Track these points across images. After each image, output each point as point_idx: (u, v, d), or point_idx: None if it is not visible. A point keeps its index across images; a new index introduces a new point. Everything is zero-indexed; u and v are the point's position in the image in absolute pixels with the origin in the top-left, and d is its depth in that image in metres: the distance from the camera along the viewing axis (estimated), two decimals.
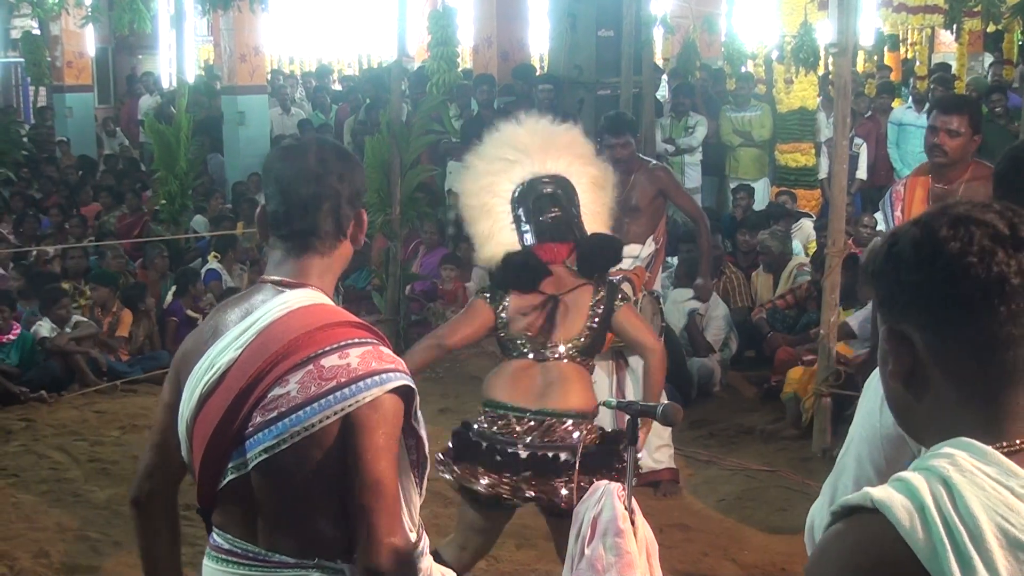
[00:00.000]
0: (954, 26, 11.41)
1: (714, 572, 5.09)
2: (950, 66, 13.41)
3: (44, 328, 8.09)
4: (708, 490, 6.04)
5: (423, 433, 2.26)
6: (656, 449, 5.89)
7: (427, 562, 2.38)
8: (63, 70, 16.37)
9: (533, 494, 3.83)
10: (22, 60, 17.69)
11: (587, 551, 3.35)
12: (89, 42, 16.85)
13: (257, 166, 12.80)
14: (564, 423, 3.86)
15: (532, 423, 3.88)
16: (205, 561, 2.31)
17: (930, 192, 4.87)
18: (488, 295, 4.07)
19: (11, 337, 7.91)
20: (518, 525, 5.50)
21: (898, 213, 4.97)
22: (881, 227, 8.49)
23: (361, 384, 2.11)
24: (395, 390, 2.14)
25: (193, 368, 2.23)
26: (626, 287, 5.62)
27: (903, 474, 1.31)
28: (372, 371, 2.13)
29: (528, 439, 3.86)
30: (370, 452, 2.11)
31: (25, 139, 15.83)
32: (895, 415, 1.45)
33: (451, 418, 7.31)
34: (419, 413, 2.24)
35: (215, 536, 2.29)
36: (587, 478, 3.76)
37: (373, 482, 2.10)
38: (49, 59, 16.41)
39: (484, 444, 3.90)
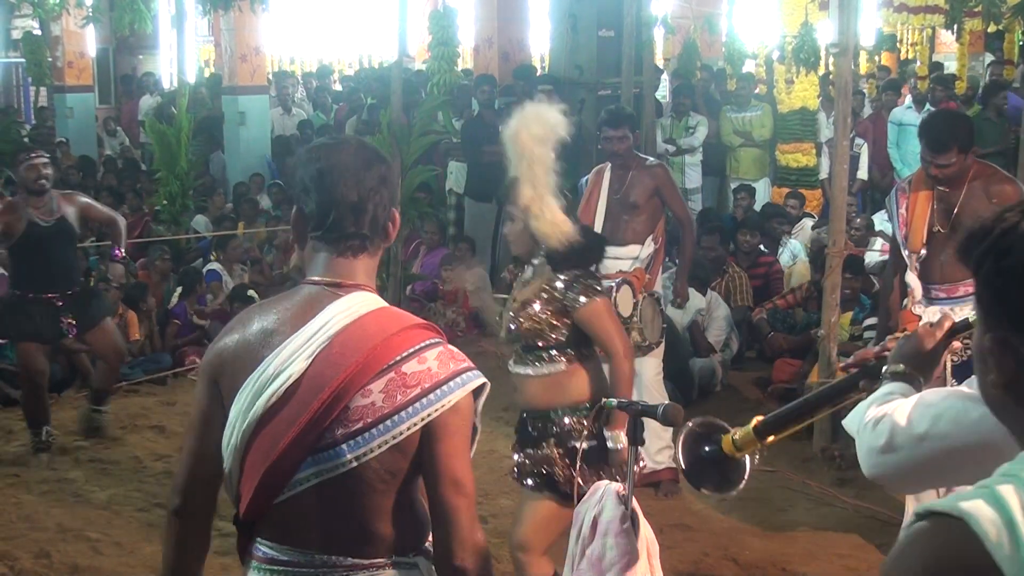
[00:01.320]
0: (955, 26, 11.42)
1: (715, 572, 5.09)
2: (943, 66, 13.41)
3: None
4: None
5: (478, 424, 2.27)
6: (658, 452, 5.89)
7: None
8: (64, 70, 16.37)
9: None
10: (23, 60, 17.69)
11: (588, 551, 3.35)
12: (90, 42, 16.85)
13: (258, 166, 12.83)
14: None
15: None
16: (251, 575, 2.25)
17: (934, 193, 4.90)
18: (599, 289, 3.93)
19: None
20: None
21: (903, 211, 5.00)
22: (882, 227, 8.52)
23: (445, 388, 2.14)
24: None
25: (247, 377, 2.17)
26: (625, 290, 5.61)
27: (991, 483, 1.29)
28: (453, 373, 2.16)
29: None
30: (453, 453, 2.15)
31: (26, 139, 15.82)
32: (995, 416, 1.43)
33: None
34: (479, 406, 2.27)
35: (265, 549, 2.23)
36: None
37: (456, 481, 2.15)
38: (50, 59, 16.41)
39: None
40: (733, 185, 10.79)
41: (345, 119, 13.68)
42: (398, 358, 2.14)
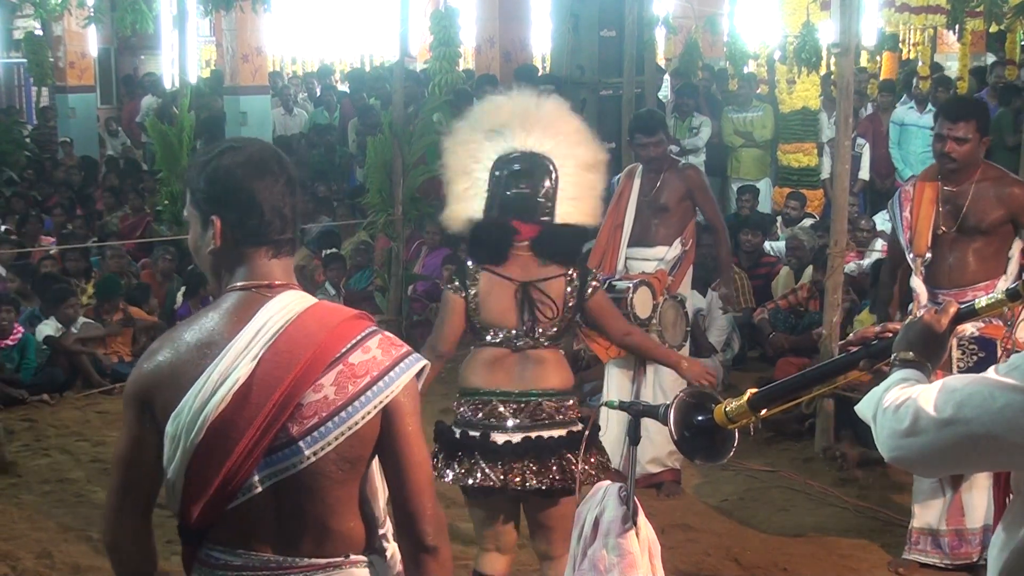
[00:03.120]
0: (956, 26, 11.40)
1: (716, 572, 5.09)
2: (942, 67, 13.40)
3: (49, 327, 8.09)
4: (710, 490, 6.03)
5: None
6: (668, 454, 5.84)
7: (392, 547, 2.39)
8: (66, 71, 16.38)
9: (535, 483, 3.79)
10: (25, 60, 17.69)
11: (589, 552, 3.35)
12: (91, 42, 16.86)
13: None
14: (550, 400, 3.87)
15: (517, 405, 3.86)
16: None
17: (939, 194, 4.88)
18: (454, 284, 3.99)
19: (9, 342, 7.90)
20: (522, 525, 5.50)
21: (907, 214, 4.97)
22: (882, 227, 8.52)
23: (392, 374, 2.19)
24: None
25: (188, 392, 2.15)
26: (643, 291, 5.59)
27: None
28: (396, 359, 2.21)
29: (517, 420, 3.84)
30: (411, 436, 2.22)
31: (28, 139, 15.84)
32: None
33: (452, 417, 7.31)
34: None
35: (217, 554, 2.22)
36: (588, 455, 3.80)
37: (417, 464, 2.22)
38: (52, 59, 16.42)
39: (475, 434, 3.85)
40: (735, 186, 10.79)
41: (349, 118, 13.67)
42: (344, 350, 2.18)
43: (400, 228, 8.79)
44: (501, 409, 3.87)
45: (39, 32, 16.89)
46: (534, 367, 3.90)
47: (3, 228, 10.88)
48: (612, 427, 5.87)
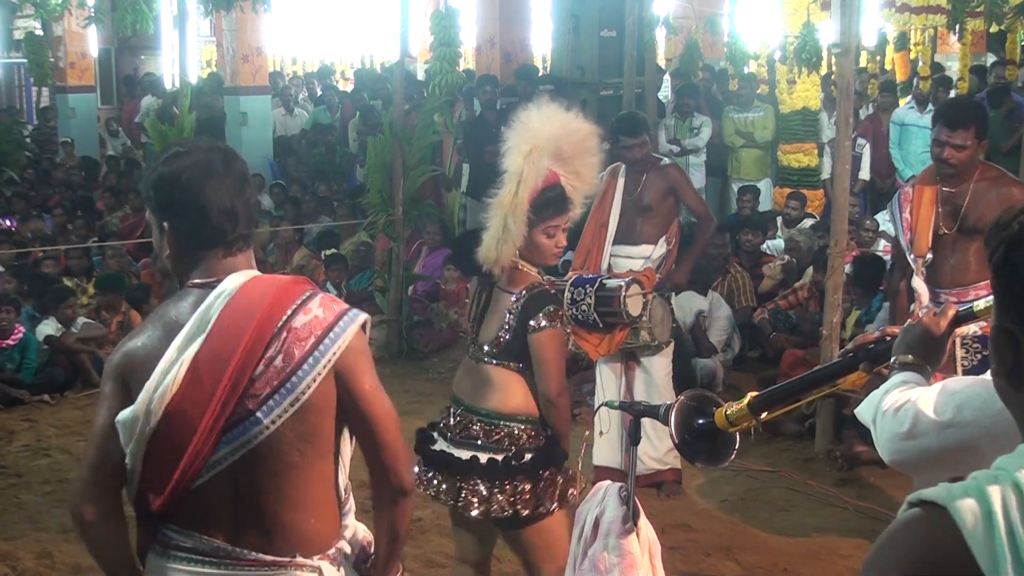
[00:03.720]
0: (956, 26, 11.40)
1: (717, 572, 5.09)
2: (943, 67, 13.39)
3: (49, 327, 8.09)
4: (711, 490, 6.04)
5: None
6: (665, 452, 5.87)
7: (351, 521, 2.44)
8: (66, 71, 16.39)
9: (444, 497, 3.68)
10: (25, 61, 17.71)
11: (589, 552, 3.35)
12: (92, 43, 16.87)
13: (260, 167, 12.82)
14: (483, 421, 3.68)
15: (458, 418, 3.75)
16: (157, 560, 2.27)
17: (939, 195, 4.88)
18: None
19: (11, 342, 7.90)
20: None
21: (906, 215, 4.97)
22: (886, 228, 8.52)
23: (337, 329, 2.22)
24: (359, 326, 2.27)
25: (146, 373, 2.20)
26: (635, 288, 5.61)
27: (981, 474, 1.32)
28: (338, 315, 2.24)
29: (456, 432, 3.71)
30: (369, 391, 2.26)
31: (28, 140, 15.85)
32: (1003, 403, 1.47)
33: None
34: None
35: (172, 534, 2.26)
36: (501, 484, 3.59)
37: (383, 416, 2.27)
38: (52, 60, 16.43)
39: (436, 437, 3.80)
40: (736, 186, 10.79)
41: (349, 118, 13.68)
42: (286, 316, 2.21)
43: (400, 228, 8.79)
44: (451, 418, 3.78)
45: (39, 32, 16.90)
46: (480, 382, 3.71)
47: (9, 224, 10.89)
48: (613, 427, 5.89)
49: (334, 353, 2.19)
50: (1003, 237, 1.38)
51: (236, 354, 2.16)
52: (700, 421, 2.55)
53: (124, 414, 2.19)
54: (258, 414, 2.16)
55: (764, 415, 2.43)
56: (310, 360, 2.18)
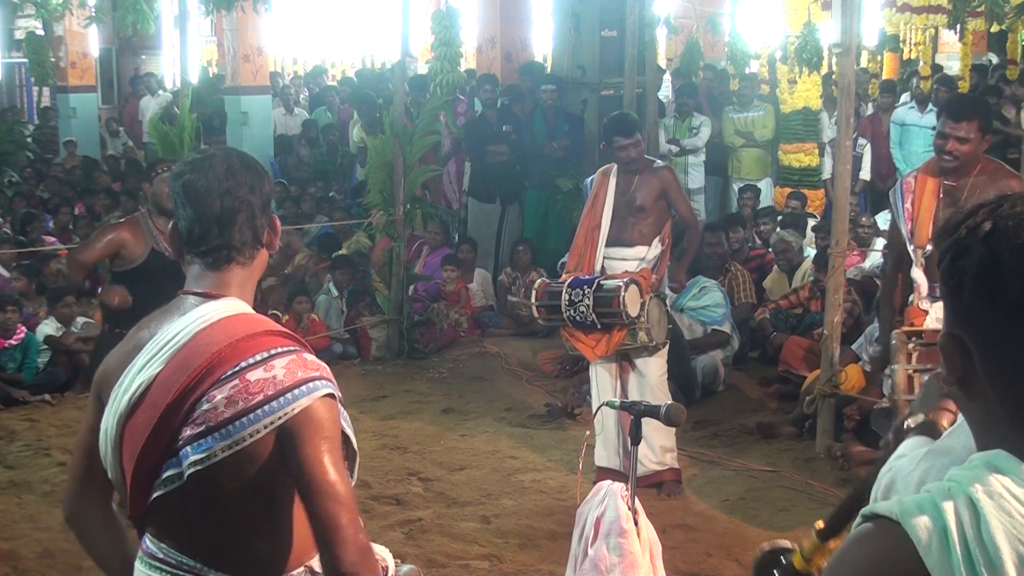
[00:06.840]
0: (957, 26, 11.40)
1: (717, 572, 5.09)
2: (942, 67, 13.39)
3: (49, 327, 8.10)
4: (711, 490, 6.04)
5: (350, 432, 2.28)
6: (664, 452, 5.88)
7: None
8: (67, 71, 16.39)
9: None
10: (26, 61, 17.71)
11: (590, 551, 3.35)
12: (93, 43, 16.87)
13: None
14: None
15: None
16: (138, 565, 2.31)
17: (941, 187, 4.90)
18: None
19: (13, 342, 7.89)
20: (523, 525, 5.51)
21: (907, 206, 4.99)
22: (884, 226, 8.51)
23: (289, 396, 2.13)
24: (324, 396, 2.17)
25: (114, 387, 2.23)
26: (633, 289, 5.61)
27: (936, 487, 1.31)
28: (299, 381, 2.14)
29: None
30: (316, 460, 2.13)
31: (29, 140, 15.86)
32: (960, 410, 1.46)
33: (454, 418, 7.32)
34: (344, 411, 2.26)
35: (148, 543, 2.29)
36: None
37: (327, 487, 2.12)
38: (53, 60, 16.43)
39: None
40: (736, 185, 10.79)
41: (348, 119, 13.69)
42: (243, 364, 2.15)
43: (401, 228, 8.79)
44: None
45: (40, 32, 16.91)
46: None
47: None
48: (609, 427, 5.90)
49: (279, 417, 2.12)
50: (950, 244, 1.37)
51: (180, 383, 2.15)
52: (779, 571, 2.52)
53: (102, 422, 2.24)
54: (188, 448, 2.15)
55: (832, 543, 2.42)
56: (251, 416, 2.12)
